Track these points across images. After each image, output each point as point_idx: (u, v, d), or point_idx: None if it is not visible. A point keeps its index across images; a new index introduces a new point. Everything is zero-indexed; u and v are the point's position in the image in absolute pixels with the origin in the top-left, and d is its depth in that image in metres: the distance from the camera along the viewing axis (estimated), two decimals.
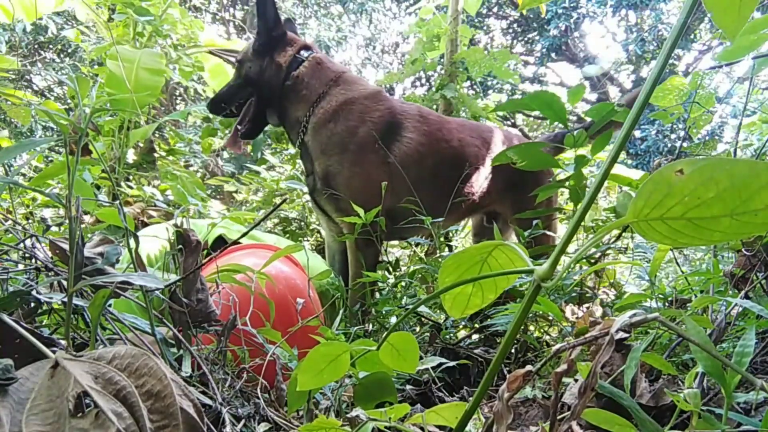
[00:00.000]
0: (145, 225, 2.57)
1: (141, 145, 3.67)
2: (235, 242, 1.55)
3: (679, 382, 0.90)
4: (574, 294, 1.48)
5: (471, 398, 0.69)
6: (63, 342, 0.69)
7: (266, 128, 2.43)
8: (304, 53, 2.08)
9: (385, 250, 2.31)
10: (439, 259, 1.97)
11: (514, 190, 2.17)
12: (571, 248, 1.83)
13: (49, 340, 0.67)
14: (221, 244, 1.95)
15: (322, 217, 2.14)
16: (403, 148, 2.01)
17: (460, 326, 1.67)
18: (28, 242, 0.91)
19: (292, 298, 1.43)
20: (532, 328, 1.48)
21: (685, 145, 2.30)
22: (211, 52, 3.95)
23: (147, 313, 0.86)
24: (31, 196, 2.76)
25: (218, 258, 1.46)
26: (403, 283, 1.79)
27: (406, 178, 1.95)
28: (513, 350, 1.38)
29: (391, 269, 2.03)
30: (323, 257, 2.25)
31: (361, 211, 1.70)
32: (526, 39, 12.18)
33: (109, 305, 0.85)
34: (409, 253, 2.56)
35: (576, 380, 0.95)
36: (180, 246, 0.98)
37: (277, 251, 1.75)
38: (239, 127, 2.13)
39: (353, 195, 1.89)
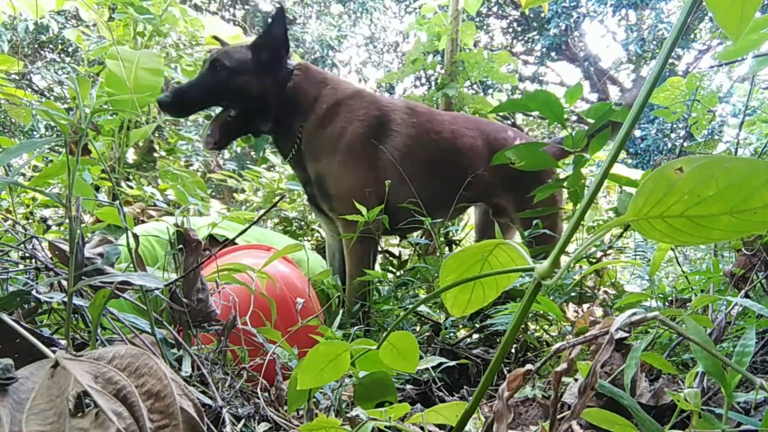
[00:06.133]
0: None
1: (141, 144, 3.66)
2: (232, 241, 1.54)
3: (679, 382, 0.90)
4: (574, 294, 1.48)
5: (471, 398, 0.69)
6: (63, 342, 0.69)
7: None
8: (291, 62, 2.03)
9: (383, 249, 2.32)
10: (440, 258, 1.97)
11: (516, 183, 2.14)
12: (571, 248, 1.82)
13: (49, 340, 0.67)
14: (213, 242, 1.94)
15: (322, 217, 2.14)
16: (392, 143, 2.00)
17: (460, 326, 1.67)
18: (28, 242, 0.91)
19: (291, 297, 1.43)
20: (533, 327, 1.48)
21: (686, 144, 2.30)
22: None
23: (141, 312, 0.85)
24: (31, 196, 2.76)
25: (216, 259, 1.46)
26: (404, 281, 1.79)
27: (402, 172, 1.95)
28: (513, 350, 1.38)
29: (395, 265, 2.03)
30: (323, 257, 2.25)
31: (363, 210, 1.70)
32: (526, 38, 12.18)
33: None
34: (409, 252, 2.56)
35: (576, 380, 0.95)
36: (180, 245, 0.98)
37: (274, 252, 1.75)
38: (211, 140, 1.96)
39: (344, 195, 1.89)
